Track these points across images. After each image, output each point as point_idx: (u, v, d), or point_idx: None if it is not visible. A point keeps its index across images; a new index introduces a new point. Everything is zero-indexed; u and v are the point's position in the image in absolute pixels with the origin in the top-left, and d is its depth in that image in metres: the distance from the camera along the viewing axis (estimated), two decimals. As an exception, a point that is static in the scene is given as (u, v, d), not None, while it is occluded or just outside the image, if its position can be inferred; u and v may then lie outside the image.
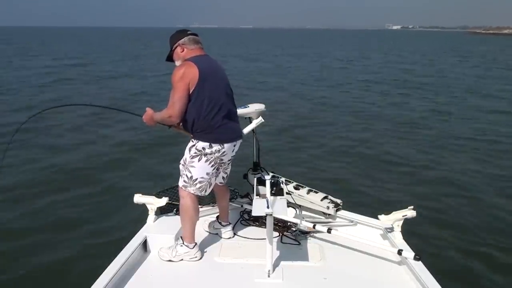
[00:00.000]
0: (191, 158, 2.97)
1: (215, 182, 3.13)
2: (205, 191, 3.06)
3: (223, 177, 3.25)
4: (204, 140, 2.92)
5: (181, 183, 3.04)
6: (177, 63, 3.00)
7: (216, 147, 2.93)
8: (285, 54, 42.60)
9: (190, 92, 2.85)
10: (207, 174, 2.99)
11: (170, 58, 3.08)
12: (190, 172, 2.98)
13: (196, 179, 2.98)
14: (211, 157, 2.95)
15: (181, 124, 3.01)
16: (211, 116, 2.88)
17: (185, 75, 2.82)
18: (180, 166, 3.05)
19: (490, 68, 29.11)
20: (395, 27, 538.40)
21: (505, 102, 15.79)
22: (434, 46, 61.97)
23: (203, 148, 2.93)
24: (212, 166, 2.99)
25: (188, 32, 3.03)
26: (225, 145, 2.96)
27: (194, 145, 2.96)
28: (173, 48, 3.02)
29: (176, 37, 3.01)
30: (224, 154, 2.99)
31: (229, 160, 3.13)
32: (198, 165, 2.96)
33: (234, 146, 3.05)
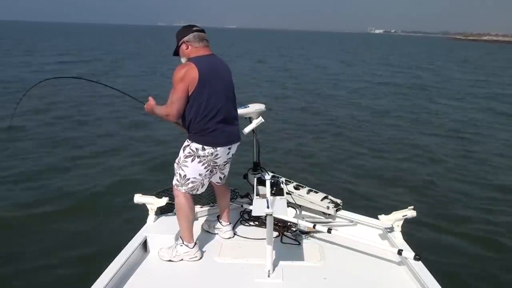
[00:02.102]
0: (185, 158, 2.97)
1: (208, 182, 3.13)
2: (197, 190, 3.06)
3: (220, 178, 3.24)
4: (197, 142, 2.93)
5: (174, 181, 3.06)
6: (182, 60, 2.99)
7: (209, 149, 2.93)
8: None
9: (189, 94, 2.84)
10: (200, 175, 2.99)
11: (177, 53, 3.06)
12: (183, 171, 2.99)
13: (189, 178, 2.98)
14: (204, 159, 2.95)
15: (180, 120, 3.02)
16: (206, 120, 2.88)
17: (185, 77, 2.81)
18: (175, 165, 3.06)
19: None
20: (377, 31, 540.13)
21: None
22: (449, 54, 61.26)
23: (196, 150, 2.93)
24: (205, 168, 2.98)
25: (194, 29, 2.97)
26: (219, 148, 2.95)
27: (188, 145, 2.97)
28: (179, 44, 3.00)
29: (182, 33, 2.98)
30: (218, 157, 2.98)
31: (224, 162, 3.11)
32: (191, 166, 2.96)
33: (229, 149, 3.04)
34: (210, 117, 2.88)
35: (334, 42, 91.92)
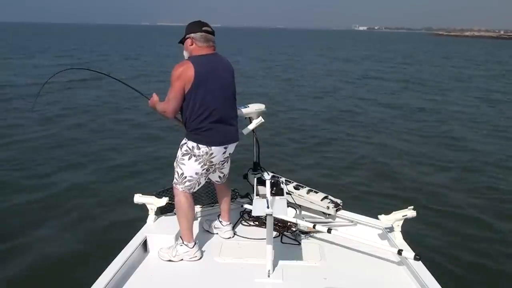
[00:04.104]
0: (182, 156, 3.01)
1: (204, 181, 3.15)
2: (194, 189, 3.09)
3: (219, 177, 3.25)
4: (193, 140, 2.96)
5: (174, 180, 3.08)
6: (185, 54, 3.04)
7: (203, 148, 2.95)
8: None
9: (185, 92, 2.88)
10: (196, 173, 3.02)
11: (182, 42, 3.09)
12: (181, 169, 3.02)
13: (186, 177, 3.01)
14: (200, 158, 2.98)
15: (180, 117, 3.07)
16: (201, 119, 2.91)
17: (181, 76, 2.85)
18: (174, 163, 3.09)
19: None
20: (361, 28, 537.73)
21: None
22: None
23: (192, 148, 2.97)
24: (201, 167, 3.00)
25: (203, 28, 3.00)
26: (213, 147, 2.97)
27: (185, 143, 3.01)
28: (185, 37, 3.04)
29: (191, 28, 3.01)
30: (213, 156, 3.00)
31: (221, 162, 3.13)
32: (188, 163, 2.99)
33: (225, 149, 3.05)
34: (205, 116, 2.91)
35: (323, 39, 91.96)
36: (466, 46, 71.47)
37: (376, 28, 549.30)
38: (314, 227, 3.27)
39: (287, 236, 3.39)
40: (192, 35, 2.99)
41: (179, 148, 3.04)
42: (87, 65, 23.98)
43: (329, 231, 3.19)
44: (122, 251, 2.93)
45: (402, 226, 3.17)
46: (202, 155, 2.97)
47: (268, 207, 2.64)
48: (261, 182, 2.90)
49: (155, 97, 3.12)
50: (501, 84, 21.49)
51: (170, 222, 3.31)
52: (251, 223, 3.64)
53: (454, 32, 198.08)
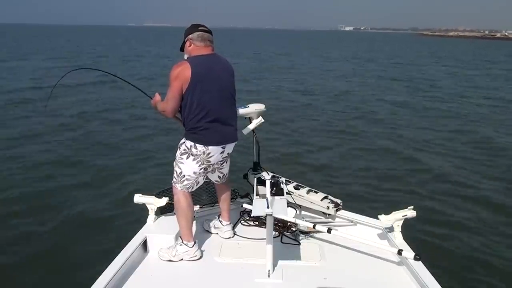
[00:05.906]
0: (181, 155, 3.04)
1: (203, 180, 3.17)
2: (192, 188, 3.10)
3: (219, 176, 3.27)
4: (190, 140, 2.99)
5: (173, 179, 3.10)
6: (185, 56, 3.09)
7: (200, 148, 2.97)
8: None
9: (183, 92, 2.92)
10: (194, 173, 3.03)
11: (182, 49, 3.16)
12: (179, 168, 3.04)
13: (184, 175, 3.03)
14: (198, 157, 3.00)
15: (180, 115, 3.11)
16: (198, 118, 2.94)
17: (179, 77, 2.90)
18: (174, 162, 3.11)
19: None
20: (347, 28, 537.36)
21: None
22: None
23: (190, 147, 2.99)
24: (199, 166, 3.02)
25: (199, 28, 3.06)
26: (210, 147, 2.98)
27: (184, 143, 3.04)
28: (184, 41, 3.10)
29: (188, 31, 3.08)
30: (210, 155, 3.01)
31: (220, 162, 3.14)
32: (186, 163, 3.02)
33: (223, 148, 3.07)
34: (202, 116, 2.94)
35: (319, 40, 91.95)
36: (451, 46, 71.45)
37: (362, 28, 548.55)
38: (314, 227, 3.26)
39: (287, 236, 3.39)
40: (189, 36, 3.05)
41: (178, 148, 3.07)
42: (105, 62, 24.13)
43: (329, 231, 3.19)
44: (122, 251, 2.93)
45: (402, 226, 3.17)
46: (200, 155, 2.98)
47: (268, 207, 2.64)
48: (261, 182, 2.90)
49: (157, 96, 3.16)
50: None
51: (170, 222, 3.31)
52: (251, 223, 3.64)
53: (439, 32, 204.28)
